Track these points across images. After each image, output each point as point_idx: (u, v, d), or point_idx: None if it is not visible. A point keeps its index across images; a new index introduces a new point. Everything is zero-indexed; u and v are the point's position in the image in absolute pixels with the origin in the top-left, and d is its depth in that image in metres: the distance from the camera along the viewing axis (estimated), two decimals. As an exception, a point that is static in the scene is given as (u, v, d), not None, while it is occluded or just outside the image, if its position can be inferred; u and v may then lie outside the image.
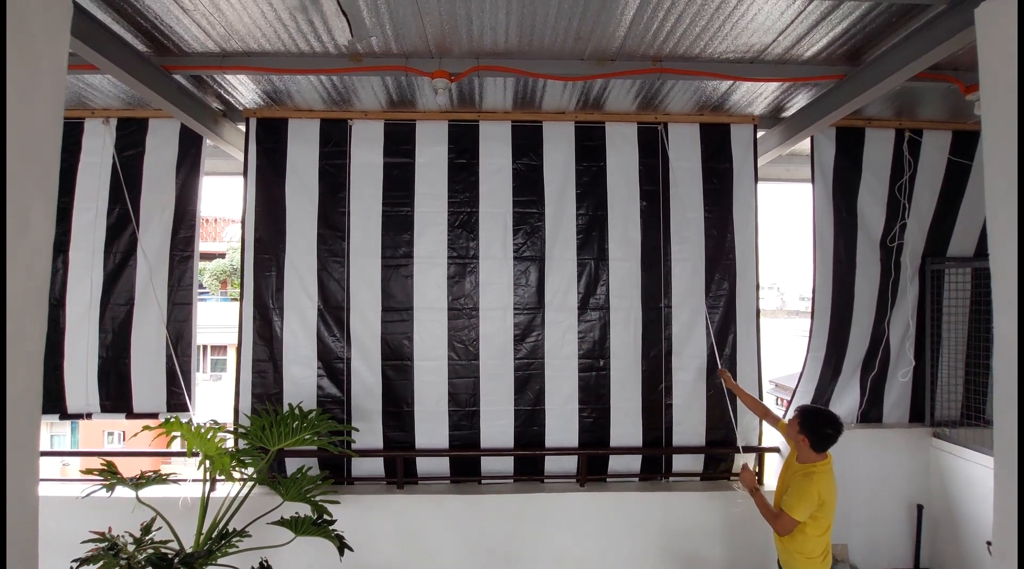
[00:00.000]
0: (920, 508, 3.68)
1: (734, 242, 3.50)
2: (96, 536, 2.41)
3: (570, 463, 3.52)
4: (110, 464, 2.73)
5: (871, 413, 3.76)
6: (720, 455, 3.59)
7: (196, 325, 3.52)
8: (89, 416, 3.48)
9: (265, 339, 3.38)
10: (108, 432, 17.69)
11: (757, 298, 3.53)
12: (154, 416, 3.44)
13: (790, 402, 3.83)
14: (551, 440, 3.47)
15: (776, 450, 3.53)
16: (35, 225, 1.44)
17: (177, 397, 3.44)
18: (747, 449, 3.51)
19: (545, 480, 3.53)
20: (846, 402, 3.75)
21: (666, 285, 3.48)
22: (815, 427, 2.53)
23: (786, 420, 2.78)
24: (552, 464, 3.54)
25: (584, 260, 3.48)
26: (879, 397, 3.76)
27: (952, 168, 3.61)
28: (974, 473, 3.41)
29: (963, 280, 3.66)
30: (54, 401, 3.42)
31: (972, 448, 3.45)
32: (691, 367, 3.47)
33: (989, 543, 2.88)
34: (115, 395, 3.46)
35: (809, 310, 3.78)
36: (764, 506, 2.66)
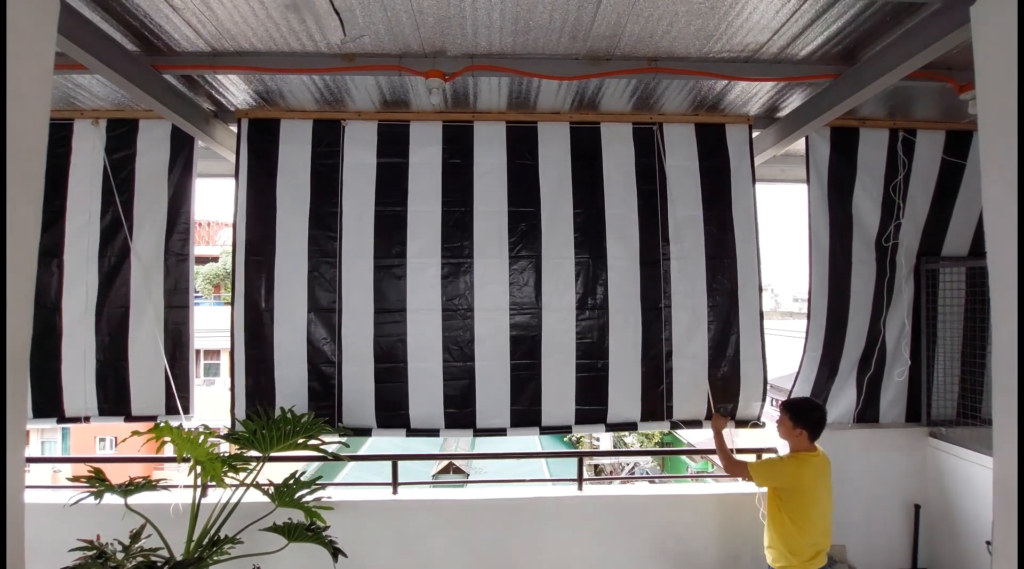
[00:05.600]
0: (917, 508, 3.67)
1: (734, 241, 3.47)
2: (84, 544, 2.36)
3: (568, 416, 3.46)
4: (98, 471, 2.68)
5: (867, 413, 3.76)
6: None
7: (193, 328, 3.47)
8: (87, 419, 3.42)
9: (257, 341, 3.33)
10: (100, 438, 17.53)
11: (760, 298, 3.49)
12: (153, 419, 3.39)
13: (785, 403, 3.82)
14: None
15: (775, 450, 3.51)
16: (19, 226, 1.41)
17: (176, 400, 3.39)
18: (741, 451, 3.50)
19: (542, 432, 3.46)
20: (842, 402, 3.75)
21: (665, 285, 3.46)
22: (806, 416, 2.73)
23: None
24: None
25: (582, 259, 3.44)
26: (875, 397, 3.75)
27: (946, 168, 3.62)
28: (971, 472, 3.41)
29: (958, 279, 3.67)
30: (52, 405, 3.37)
31: (969, 447, 3.45)
32: (691, 368, 3.43)
33: (988, 543, 2.89)
34: (113, 398, 3.41)
35: (804, 311, 3.77)
36: (722, 445, 3.01)
